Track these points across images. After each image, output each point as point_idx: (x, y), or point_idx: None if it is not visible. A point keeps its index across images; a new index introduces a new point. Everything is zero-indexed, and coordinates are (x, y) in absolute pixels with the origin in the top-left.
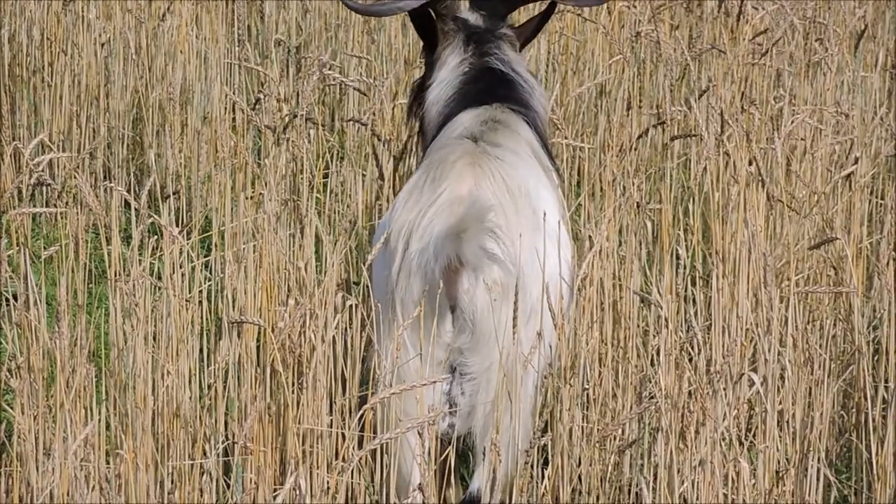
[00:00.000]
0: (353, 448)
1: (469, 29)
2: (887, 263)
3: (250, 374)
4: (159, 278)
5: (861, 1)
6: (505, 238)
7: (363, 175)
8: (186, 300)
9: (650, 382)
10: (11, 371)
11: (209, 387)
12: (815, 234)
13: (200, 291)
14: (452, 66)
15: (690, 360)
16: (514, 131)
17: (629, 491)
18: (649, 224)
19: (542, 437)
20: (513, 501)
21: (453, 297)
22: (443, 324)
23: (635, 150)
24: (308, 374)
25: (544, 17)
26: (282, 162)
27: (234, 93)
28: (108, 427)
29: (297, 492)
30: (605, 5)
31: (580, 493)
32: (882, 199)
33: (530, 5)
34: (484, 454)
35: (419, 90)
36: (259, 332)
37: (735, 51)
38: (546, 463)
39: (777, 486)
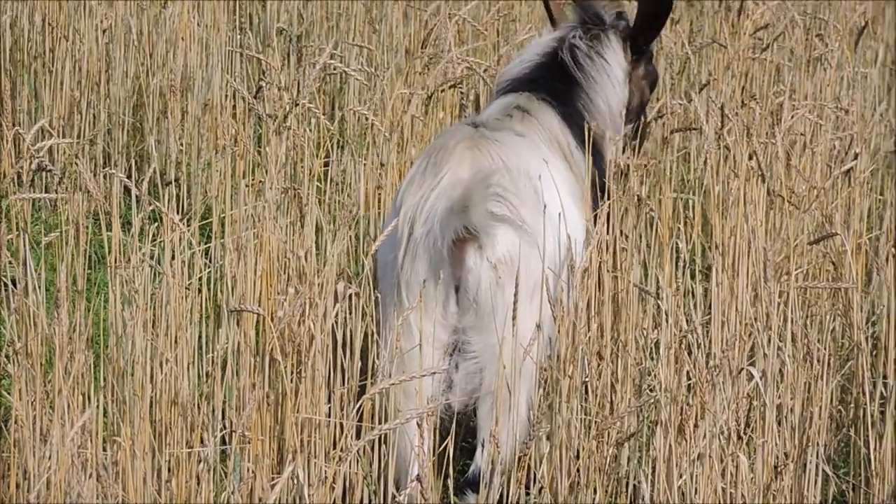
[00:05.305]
0: (352, 438)
1: (584, 17)
2: (886, 259)
3: (249, 363)
4: (159, 265)
5: None
6: (512, 199)
7: (364, 164)
8: (186, 287)
9: (649, 376)
10: (9, 357)
11: (208, 375)
12: (815, 229)
13: (200, 279)
14: (536, 47)
15: (690, 353)
16: (534, 118)
17: (627, 484)
18: (649, 217)
19: (541, 428)
20: (510, 493)
21: (457, 277)
22: (447, 305)
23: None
24: (307, 364)
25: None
26: (282, 150)
27: (235, 80)
28: (105, 414)
29: (295, 481)
30: None
31: (578, 485)
32: (881, 194)
33: None
34: (487, 439)
35: None
36: (258, 321)
37: (736, 45)
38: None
39: (775, 481)
